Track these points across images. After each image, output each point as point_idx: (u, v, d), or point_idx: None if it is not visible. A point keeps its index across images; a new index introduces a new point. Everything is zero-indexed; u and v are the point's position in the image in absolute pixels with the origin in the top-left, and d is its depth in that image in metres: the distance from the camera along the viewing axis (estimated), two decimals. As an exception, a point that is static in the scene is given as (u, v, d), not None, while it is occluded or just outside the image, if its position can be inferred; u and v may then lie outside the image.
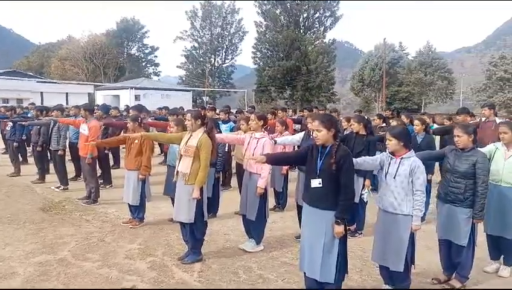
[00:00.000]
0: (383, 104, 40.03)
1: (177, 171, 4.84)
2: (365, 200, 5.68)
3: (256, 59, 51.07)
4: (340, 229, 3.46)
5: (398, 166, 3.83)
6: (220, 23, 61.57)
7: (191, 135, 4.81)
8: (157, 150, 13.70)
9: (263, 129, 5.40)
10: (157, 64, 74.79)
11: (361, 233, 6.09)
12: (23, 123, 9.67)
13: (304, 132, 5.88)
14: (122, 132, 11.21)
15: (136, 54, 73.44)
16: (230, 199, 7.65)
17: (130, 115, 7.06)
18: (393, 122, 6.54)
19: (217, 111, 11.33)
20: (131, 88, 45.06)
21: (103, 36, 67.29)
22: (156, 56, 74.59)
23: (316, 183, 3.53)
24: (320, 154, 3.59)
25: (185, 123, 4.85)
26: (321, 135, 3.54)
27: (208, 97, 54.43)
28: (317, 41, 48.58)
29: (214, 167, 6.44)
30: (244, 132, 7.02)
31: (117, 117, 11.34)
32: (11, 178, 10.02)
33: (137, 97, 43.13)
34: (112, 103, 32.68)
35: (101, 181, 9.23)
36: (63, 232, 5.95)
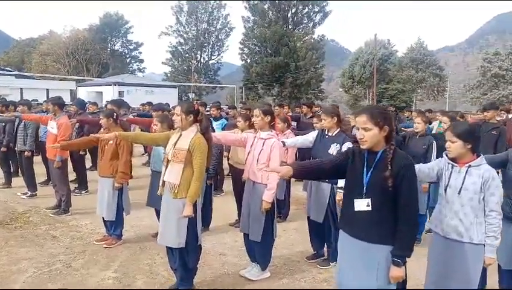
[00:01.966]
0: (373, 102, 39.19)
1: (163, 182, 3.77)
2: None
3: (244, 55, 49.77)
4: (399, 272, 2.40)
5: (464, 177, 2.83)
6: (206, 18, 60.06)
7: (180, 135, 3.74)
8: (140, 149, 12.56)
9: (270, 127, 4.34)
10: (141, 61, 72.93)
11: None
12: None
13: (317, 131, 4.84)
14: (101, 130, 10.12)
15: (120, 50, 71.52)
16: (223, 207, 6.64)
17: (105, 110, 5.88)
18: (418, 119, 5.51)
19: (207, 107, 10.27)
20: (115, 84, 43.48)
21: (86, 31, 65.31)
22: (140, 52, 72.77)
23: (362, 205, 2.48)
24: (366, 162, 2.54)
25: (173, 119, 3.76)
26: (370, 135, 2.49)
27: (194, 94, 52.96)
28: (306, 37, 47.47)
29: (206, 171, 5.41)
30: (242, 131, 6.00)
31: (95, 113, 10.18)
32: (-28, 183, 8.81)
33: (120, 93, 41.55)
34: (95, 100, 31.15)
35: (75, 186, 8.13)
36: (21, 254, 4.81)
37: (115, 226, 5.10)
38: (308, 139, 4.77)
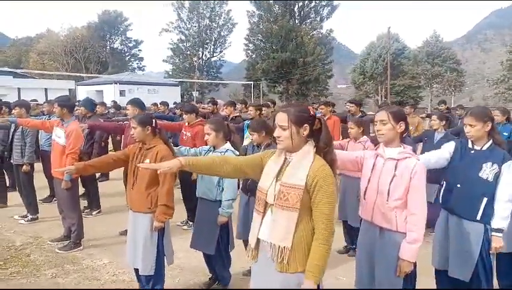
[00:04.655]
0: (386, 99, 37.47)
1: (258, 240, 2.23)
2: None
3: (249, 52, 48.03)
4: None
5: None
6: (208, 14, 58.42)
7: (285, 160, 2.21)
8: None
9: (402, 141, 2.79)
10: (141, 59, 71.43)
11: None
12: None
13: (453, 144, 3.26)
14: (117, 137, 8.49)
15: (119, 48, 70.06)
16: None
17: (134, 115, 4.17)
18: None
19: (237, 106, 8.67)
20: (116, 83, 41.91)
21: (84, 29, 63.87)
22: (140, 50, 71.33)
23: None
24: None
25: (275, 135, 2.19)
26: None
27: (197, 92, 51.24)
28: (314, 32, 45.73)
29: (246, 192, 4.01)
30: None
31: (104, 115, 8.64)
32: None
33: (122, 92, 40.02)
34: (95, 100, 29.65)
35: (85, 205, 6.64)
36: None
37: (154, 281, 3.51)
38: (443, 155, 3.20)
